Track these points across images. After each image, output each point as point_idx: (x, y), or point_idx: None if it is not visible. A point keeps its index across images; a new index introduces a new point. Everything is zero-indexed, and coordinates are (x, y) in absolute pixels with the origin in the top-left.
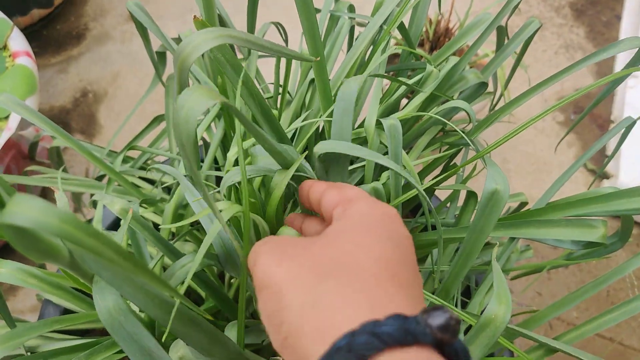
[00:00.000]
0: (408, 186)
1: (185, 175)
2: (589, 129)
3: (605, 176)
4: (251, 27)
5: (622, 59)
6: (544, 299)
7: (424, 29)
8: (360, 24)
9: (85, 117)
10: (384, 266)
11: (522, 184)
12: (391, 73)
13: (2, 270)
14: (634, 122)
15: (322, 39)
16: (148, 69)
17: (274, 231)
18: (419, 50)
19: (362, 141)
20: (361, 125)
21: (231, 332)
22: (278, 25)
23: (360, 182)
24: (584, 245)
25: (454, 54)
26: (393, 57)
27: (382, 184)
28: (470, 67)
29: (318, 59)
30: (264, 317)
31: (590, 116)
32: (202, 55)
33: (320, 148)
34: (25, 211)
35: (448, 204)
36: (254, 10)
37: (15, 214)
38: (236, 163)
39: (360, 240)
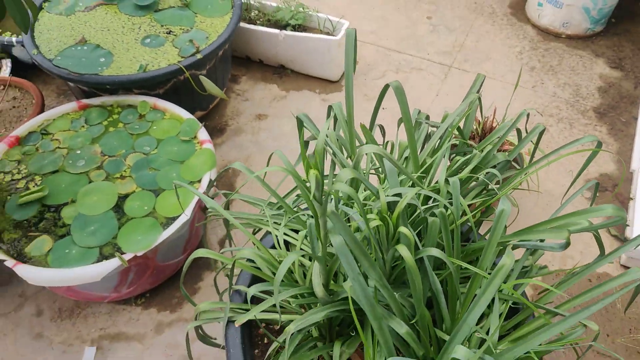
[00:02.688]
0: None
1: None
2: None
3: (623, 239)
4: (372, 127)
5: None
6: None
7: (474, 128)
8: (433, 125)
9: (227, 185)
10: None
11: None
12: (453, 154)
13: (245, 252)
14: None
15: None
16: (270, 152)
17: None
18: (469, 142)
19: (437, 190)
20: (436, 182)
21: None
22: (381, 127)
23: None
24: (561, 247)
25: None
26: (454, 145)
27: (448, 215)
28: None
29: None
30: None
31: (613, 194)
32: (338, 140)
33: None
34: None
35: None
36: (375, 115)
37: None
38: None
39: None
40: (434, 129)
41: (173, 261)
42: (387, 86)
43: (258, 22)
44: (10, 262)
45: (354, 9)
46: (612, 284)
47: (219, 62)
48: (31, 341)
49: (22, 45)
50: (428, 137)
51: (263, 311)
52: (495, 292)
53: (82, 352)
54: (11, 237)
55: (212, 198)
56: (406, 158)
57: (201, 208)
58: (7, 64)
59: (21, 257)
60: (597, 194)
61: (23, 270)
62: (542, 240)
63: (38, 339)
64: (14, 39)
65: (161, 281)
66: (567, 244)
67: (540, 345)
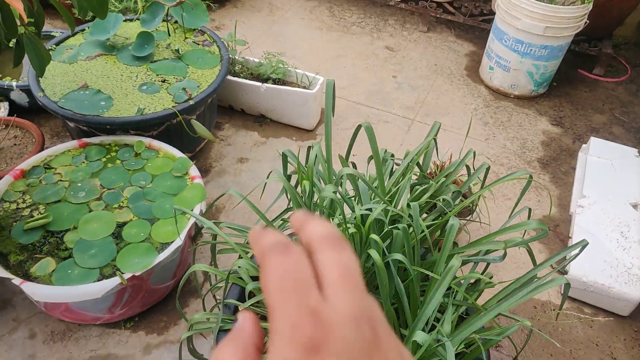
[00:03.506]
0: (424, 238)
1: None
2: (554, 242)
3: (565, 272)
4: (347, 157)
5: (576, 193)
6: None
7: (433, 170)
8: (397, 163)
9: (212, 219)
10: None
11: (507, 275)
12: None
13: (240, 262)
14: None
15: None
16: (250, 191)
17: (366, 238)
18: (427, 176)
19: (400, 216)
20: (401, 207)
21: None
22: (353, 163)
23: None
24: (500, 258)
25: (445, 177)
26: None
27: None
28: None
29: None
30: None
31: (555, 233)
32: (317, 173)
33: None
34: None
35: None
36: (351, 146)
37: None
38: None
39: None
40: (397, 166)
41: (163, 285)
42: (359, 126)
43: (241, 75)
44: (17, 280)
45: (328, 67)
46: (542, 288)
47: (207, 109)
48: None
49: (21, 90)
50: (393, 172)
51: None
52: (447, 286)
53: None
54: (17, 259)
55: (202, 228)
56: (375, 187)
57: (190, 237)
58: (5, 106)
59: (27, 277)
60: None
61: (30, 288)
62: (486, 253)
63: None
64: (13, 83)
65: (150, 305)
66: (504, 256)
67: (481, 333)
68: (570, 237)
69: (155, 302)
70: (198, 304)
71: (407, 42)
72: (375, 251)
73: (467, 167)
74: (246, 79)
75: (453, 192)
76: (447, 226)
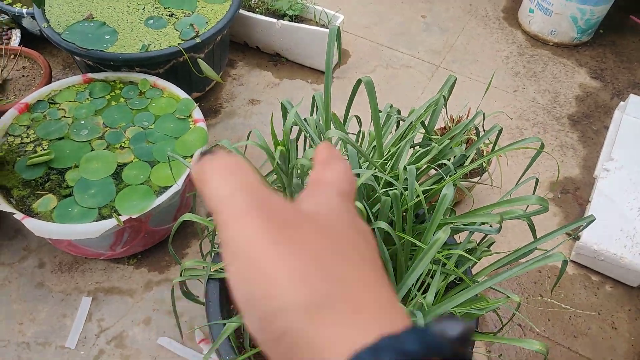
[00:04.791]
0: (419, 204)
1: None
2: (571, 205)
3: (578, 238)
4: (346, 116)
5: (604, 155)
6: None
7: (449, 125)
8: (402, 119)
9: None
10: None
11: (516, 239)
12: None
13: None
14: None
15: (381, 126)
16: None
17: None
18: (432, 136)
19: (397, 176)
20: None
21: None
22: (357, 117)
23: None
24: (496, 230)
25: (450, 138)
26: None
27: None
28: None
29: None
30: (242, 304)
31: (574, 196)
32: (317, 127)
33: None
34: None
35: None
36: (349, 106)
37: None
38: None
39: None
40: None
41: (164, 227)
42: (359, 81)
43: (257, 10)
44: (19, 215)
45: (351, 3)
46: (537, 264)
47: (216, 46)
48: (33, 289)
49: (32, 17)
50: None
51: None
52: (430, 260)
53: (79, 301)
54: (20, 194)
55: None
56: (374, 147)
57: (192, 180)
58: (17, 34)
59: (29, 212)
60: (560, 196)
61: (31, 223)
62: (482, 224)
63: (39, 288)
64: (24, 10)
65: (152, 245)
66: (500, 228)
67: (463, 306)
68: (590, 202)
69: (157, 242)
70: (199, 246)
71: None
72: None
73: (476, 128)
74: (262, 14)
75: (456, 156)
76: (440, 196)
